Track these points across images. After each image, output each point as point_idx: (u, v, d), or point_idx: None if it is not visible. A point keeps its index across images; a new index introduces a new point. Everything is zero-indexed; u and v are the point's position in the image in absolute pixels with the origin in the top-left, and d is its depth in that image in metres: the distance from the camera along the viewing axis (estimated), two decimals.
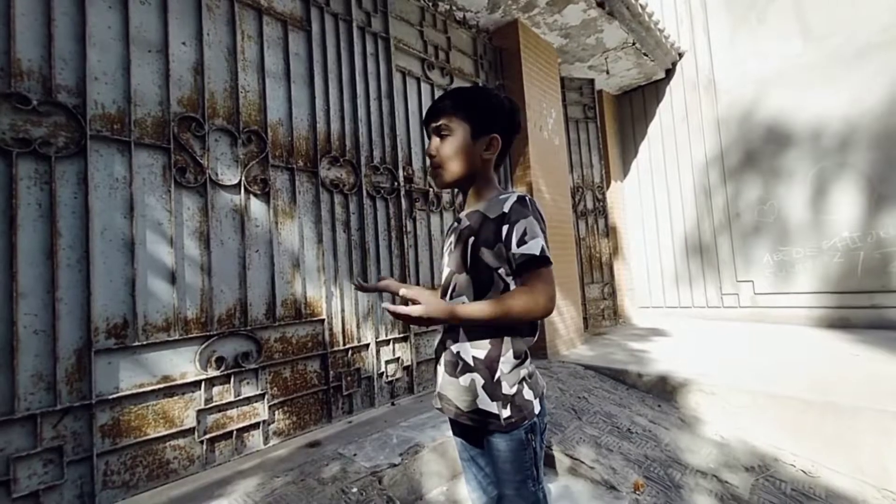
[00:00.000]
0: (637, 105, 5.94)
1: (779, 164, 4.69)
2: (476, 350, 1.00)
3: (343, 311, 2.62)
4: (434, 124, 1.08)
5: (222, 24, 2.27)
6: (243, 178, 2.23)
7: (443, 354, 1.07)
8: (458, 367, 1.02)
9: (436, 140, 1.08)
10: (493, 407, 0.98)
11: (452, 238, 1.12)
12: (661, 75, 5.60)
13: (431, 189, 3.30)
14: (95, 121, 1.81)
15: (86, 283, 1.72)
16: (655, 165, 5.79)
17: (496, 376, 0.99)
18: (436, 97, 3.44)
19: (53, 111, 1.71)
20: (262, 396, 2.20)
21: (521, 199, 0.99)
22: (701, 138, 5.31)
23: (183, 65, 2.10)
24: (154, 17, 2.03)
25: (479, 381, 0.99)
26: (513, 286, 0.99)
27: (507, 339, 1.00)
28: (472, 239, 1.02)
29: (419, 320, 0.90)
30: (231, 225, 2.20)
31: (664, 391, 3.03)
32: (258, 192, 2.30)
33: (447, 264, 1.11)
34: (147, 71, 1.98)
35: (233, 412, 2.10)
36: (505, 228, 0.97)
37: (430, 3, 3.50)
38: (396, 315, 0.90)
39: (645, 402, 2.94)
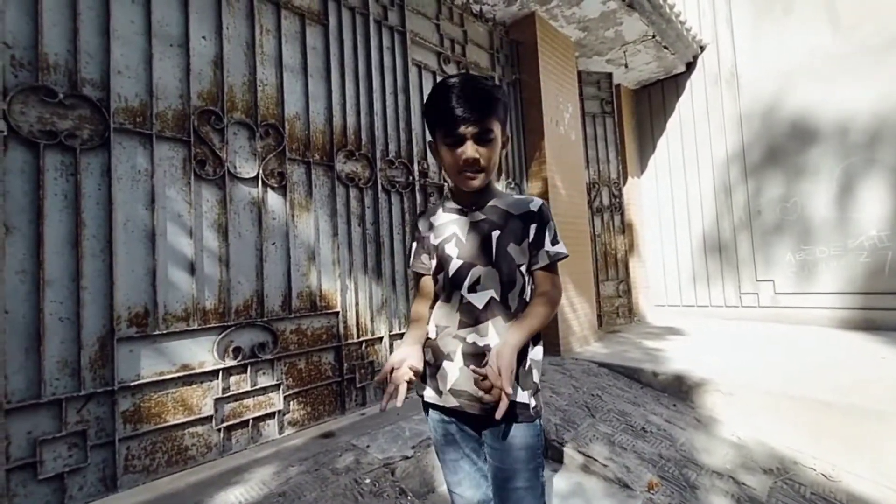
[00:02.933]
0: (656, 100, 5.83)
1: (803, 160, 4.55)
2: None
3: (357, 304, 2.64)
4: (481, 129, 0.96)
5: (241, 18, 2.29)
6: (261, 172, 2.26)
7: (458, 348, 1.02)
8: (485, 359, 0.97)
9: (476, 145, 0.97)
10: (524, 397, 0.99)
11: (458, 229, 1.08)
12: (682, 69, 5.47)
13: (447, 183, 3.30)
14: (119, 114, 1.85)
15: (109, 272, 1.77)
16: (674, 161, 5.67)
17: (528, 365, 1.01)
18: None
19: (79, 104, 1.75)
20: (277, 387, 2.23)
21: (544, 203, 1.08)
22: (722, 134, 5.18)
23: (203, 59, 2.13)
24: (175, 12, 2.06)
25: None
26: (527, 280, 1.06)
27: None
28: (496, 233, 1.03)
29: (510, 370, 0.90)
30: (249, 217, 2.23)
31: (680, 390, 2.98)
32: (275, 186, 2.32)
33: (459, 256, 1.06)
34: (168, 65, 2.01)
35: (249, 401, 2.14)
36: (533, 227, 1.04)
37: None
38: (495, 382, 0.87)
39: (660, 402, 2.90)
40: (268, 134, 2.33)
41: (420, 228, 1.18)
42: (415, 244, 1.19)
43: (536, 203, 1.07)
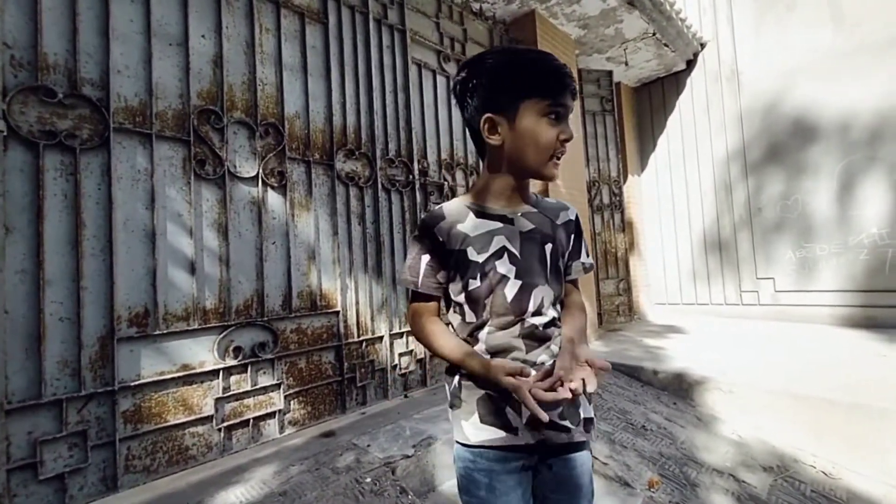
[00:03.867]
0: (656, 97, 5.82)
1: (804, 158, 4.54)
2: None
3: (358, 303, 2.64)
4: (570, 103, 0.86)
5: (241, 17, 2.29)
6: (261, 171, 2.26)
7: (531, 373, 0.83)
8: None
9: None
10: (590, 411, 0.91)
11: (507, 242, 0.89)
12: (682, 66, 5.46)
13: (446, 182, 3.29)
14: (118, 113, 1.84)
15: (109, 272, 1.76)
16: (674, 159, 5.67)
17: None
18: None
19: (78, 104, 1.74)
20: (277, 386, 2.23)
21: (577, 211, 1.02)
22: (722, 131, 5.18)
23: (202, 58, 2.13)
24: (175, 11, 2.05)
25: None
26: None
27: None
28: (549, 246, 0.92)
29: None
30: (249, 217, 2.22)
31: (680, 389, 2.98)
32: (275, 185, 2.32)
33: (517, 276, 0.88)
34: (168, 64, 2.01)
35: (249, 401, 2.14)
36: (573, 238, 0.98)
37: None
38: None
39: (660, 400, 2.90)
40: (267, 133, 2.32)
41: (438, 237, 0.91)
42: (425, 257, 0.93)
43: (573, 211, 1.01)
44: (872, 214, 4.13)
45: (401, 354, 2.85)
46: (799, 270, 4.60)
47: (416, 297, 0.97)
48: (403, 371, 2.86)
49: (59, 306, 1.65)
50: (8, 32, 1.61)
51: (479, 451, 0.87)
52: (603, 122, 5.25)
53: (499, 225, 0.90)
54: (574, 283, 1.02)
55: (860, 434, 2.25)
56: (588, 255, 1.02)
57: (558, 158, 0.87)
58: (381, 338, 2.75)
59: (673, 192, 5.68)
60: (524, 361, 0.86)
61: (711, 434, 2.51)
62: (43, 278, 1.61)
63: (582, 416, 0.89)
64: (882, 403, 2.26)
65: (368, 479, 1.80)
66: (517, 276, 0.88)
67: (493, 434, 0.85)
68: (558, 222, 0.95)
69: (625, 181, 5.57)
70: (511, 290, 0.88)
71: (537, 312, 0.88)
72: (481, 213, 0.91)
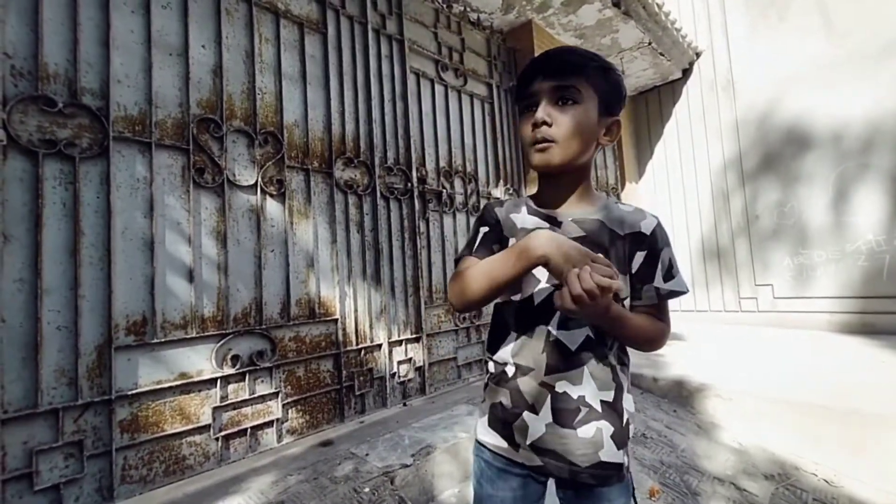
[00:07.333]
0: (653, 105, 5.86)
1: (799, 165, 4.58)
2: (604, 393, 0.82)
3: (356, 311, 2.64)
4: (558, 83, 0.80)
5: (240, 27, 2.31)
6: (260, 179, 2.26)
7: (546, 400, 0.82)
8: (580, 415, 0.81)
9: (551, 107, 0.81)
10: (618, 456, 0.82)
11: None
12: (678, 75, 5.51)
13: (444, 190, 3.30)
14: (118, 122, 1.85)
15: (107, 280, 1.76)
16: (671, 167, 5.70)
17: (625, 420, 0.85)
18: (450, 98, 3.45)
19: (78, 113, 1.75)
20: (276, 395, 2.22)
21: (659, 223, 0.88)
22: (718, 139, 5.22)
23: (202, 67, 2.14)
24: (175, 21, 2.07)
25: (608, 429, 0.81)
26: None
27: (628, 375, 0.88)
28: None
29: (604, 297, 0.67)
30: (247, 225, 2.23)
31: (680, 396, 2.97)
32: (274, 193, 2.33)
33: (549, 280, 0.84)
34: (168, 74, 2.02)
35: (247, 410, 2.13)
36: (640, 256, 0.85)
37: (445, 5, 3.51)
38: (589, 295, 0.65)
39: (660, 407, 2.89)
40: (266, 142, 2.33)
41: (497, 216, 0.93)
42: (483, 229, 0.93)
43: (649, 223, 0.86)
44: (868, 221, 4.15)
45: (399, 362, 2.84)
46: (797, 277, 4.61)
47: (460, 261, 0.92)
48: (402, 379, 2.84)
49: (56, 315, 1.65)
50: (9, 42, 1.62)
51: (483, 449, 0.93)
52: None
53: (545, 225, 0.87)
54: (652, 312, 0.86)
55: (859, 440, 2.24)
56: (668, 280, 0.84)
57: (539, 143, 0.83)
58: (379, 346, 2.74)
59: (671, 200, 5.71)
60: (542, 384, 0.83)
61: (712, 442, 2.50)
62: (41, 287, 1.61)
63: (601, 458, 0.80)
64: (880, 409, 2.26)
65: (367, 489, 1.78)
66: (549, 281, 0.84)
67: (495, 440, 0.89)
68: (621, 233, 0.85)
69: (623, 188, 5.60)
70: (540, 294, 0.85)
71: (563, 325, 0.83)
72: (533, 211, 0.92)
